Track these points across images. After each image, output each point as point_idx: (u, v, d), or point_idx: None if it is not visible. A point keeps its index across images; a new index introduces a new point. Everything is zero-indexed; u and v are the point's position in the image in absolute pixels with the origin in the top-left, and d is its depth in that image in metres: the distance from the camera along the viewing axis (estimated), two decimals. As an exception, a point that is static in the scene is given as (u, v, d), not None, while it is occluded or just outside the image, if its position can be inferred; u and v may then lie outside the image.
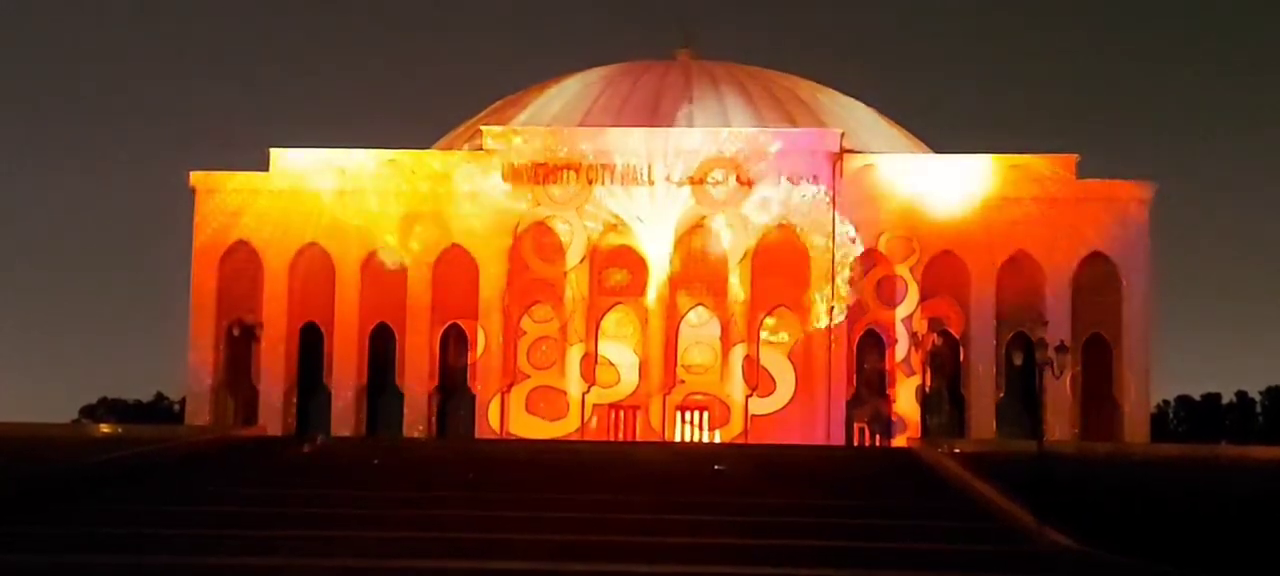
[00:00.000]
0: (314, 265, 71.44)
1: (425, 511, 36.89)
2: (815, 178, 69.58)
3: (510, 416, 69.80)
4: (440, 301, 70.98)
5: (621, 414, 70.61)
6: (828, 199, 69.46)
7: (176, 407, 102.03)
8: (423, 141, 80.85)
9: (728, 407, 69.42)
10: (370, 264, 71.18)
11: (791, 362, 69.92)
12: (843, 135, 71.48)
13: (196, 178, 72.09)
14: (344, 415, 70.22)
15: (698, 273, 70.70)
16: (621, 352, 70.85)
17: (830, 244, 69.23)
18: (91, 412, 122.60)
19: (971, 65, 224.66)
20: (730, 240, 69.78)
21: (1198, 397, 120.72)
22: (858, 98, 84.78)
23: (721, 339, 70.26)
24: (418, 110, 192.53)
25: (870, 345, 70.53)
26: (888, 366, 69.91)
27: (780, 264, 69.59)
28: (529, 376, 70.53)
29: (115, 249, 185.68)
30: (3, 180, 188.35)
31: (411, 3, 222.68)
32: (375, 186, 71.19)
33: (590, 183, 70.24)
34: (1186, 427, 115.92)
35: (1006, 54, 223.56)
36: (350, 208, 71.03)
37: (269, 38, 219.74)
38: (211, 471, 45.29)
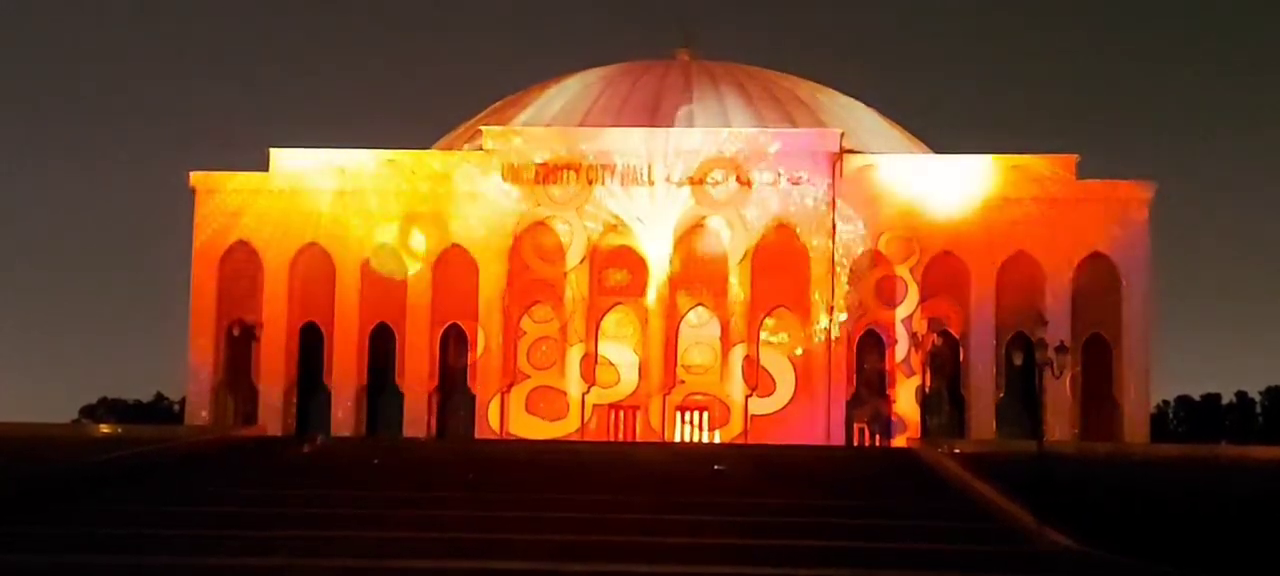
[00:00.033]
0: (314, 265, 71.44)
1: (425, 511, 36.89)
2: (815, 178, 69.59)
3: (510, 416, 69.81)
4: (440, 301, 70.98)
5: (621, 414, 70.62)
6: (827, 199, 69.47)
7: (176, 408, 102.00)
8: (423, 141, 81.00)
9: (728, 408, 69.43)
10: (370, 265, 71.15)
11: (791, 363, 69.90)
12: (843, 135, 71.49)
13: (196, 178, 72.10)
14: (344, 415, 70.21)
15: (698, 273, 70.69)
16: (621, 353, 70.85)
17: (830, 244, 69.24)
18: (91, 412, 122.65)
19: (971, 65, 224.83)
20: (730, 240, 69.79)
21: (1197, 398, 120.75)
22: (858, 98, 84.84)
23: (721, 339, 70.26)
24: (418, 110, 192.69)
25: (870, 345, 70.52)
26: (888, 366, 69.90)
27: (780, 264, 69.58)
28: (529, 376, 70.53)
29: (115, 249, 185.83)
30: (3, 180, 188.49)
31: (411, 3, 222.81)
32: (375, 186, 71.20)
33: (590, 183, 70.25)
34: (1186, 428, 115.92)
35: (1006, 54, 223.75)
36: (350, 208, 71.04)
37: (269, 38, 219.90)
38: (211, 471, 45.30)
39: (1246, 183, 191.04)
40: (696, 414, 70.27)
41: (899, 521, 35.76)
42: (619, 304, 71.17)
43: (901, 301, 69.29)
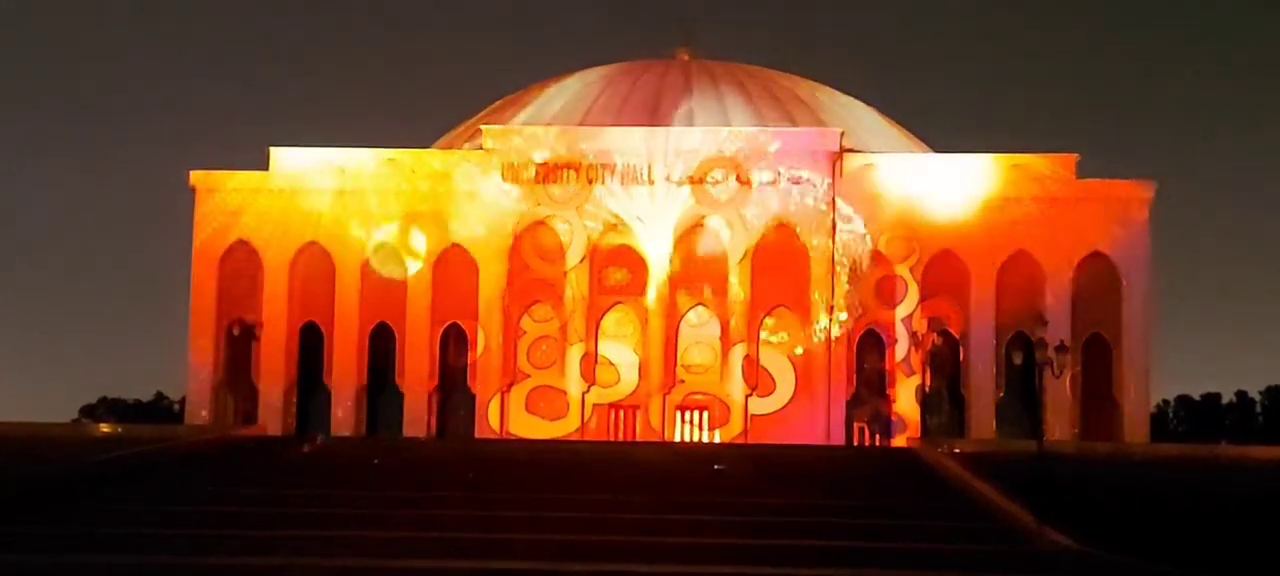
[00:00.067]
0: (314, 264, 71.44)
1: (425, 511, 36.90)
2: (815, 177, 69.58)
3: (510, 416, 69.80)
4: (440, 301, 70.98)
5: (621, 413, 70.61)
6: (827, 199, 69.46)
7: (176, 407, 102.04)
8: (422, 141, 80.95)
9: (728, 407, 69.42)
10: (369, 266, 71.15)
11: (791, 362, 69.90)
12: (843, 134, 71.47)
13: (196, 177, 72.09)
14: (344, 415, 70.21)
15: (698, 272, 70.67)
16: (621, 352, 70.84)
17: (830, 243, 69.23)
18: (91, 412, 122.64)
19: (971, 65, 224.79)
20: (730, 240, 69.77)
21: (1197, 397, 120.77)
22: (858, 97, 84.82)
23: (721, 338, 70.25)
24: (418, 110, 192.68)
25: (870, 345, 70.51)
26: (888, 366, 69.89)
27: (780, 263, 69.57)
28: (529, 376, 70.53)
29: (115, 249, 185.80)
30: (3, 180, 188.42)
31: (411, 3, 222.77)
32: (375, 186, 71.20)
33: (590, 182, 70.24)
34: (1186, 427, 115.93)
35: (1006, 54, 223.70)
36: (350, 207, 71.05)
37: (269, 38, 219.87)
38: (211, 471, 45.30)
39: (1246, 183, 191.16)
40: (696, 413, 70.27)
41: (899, 521, 35.76)
42: (619, 303, 71.15)
43: (901, 301, 69.29)
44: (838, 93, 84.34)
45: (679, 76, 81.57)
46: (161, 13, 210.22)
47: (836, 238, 69.25)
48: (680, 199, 69.90)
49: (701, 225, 70.45)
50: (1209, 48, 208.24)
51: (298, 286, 71.51)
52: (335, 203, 71.06)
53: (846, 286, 69.01)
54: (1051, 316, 64.12)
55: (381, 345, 71.71)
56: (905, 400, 69.19)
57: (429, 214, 70.77)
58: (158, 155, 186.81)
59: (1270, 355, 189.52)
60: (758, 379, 69.49)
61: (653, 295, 69.96)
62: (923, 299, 69.24)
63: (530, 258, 70.82)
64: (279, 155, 71.93)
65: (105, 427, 65.75)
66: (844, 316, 69.00)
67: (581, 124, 74.80)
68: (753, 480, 43.91)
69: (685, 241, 70.35)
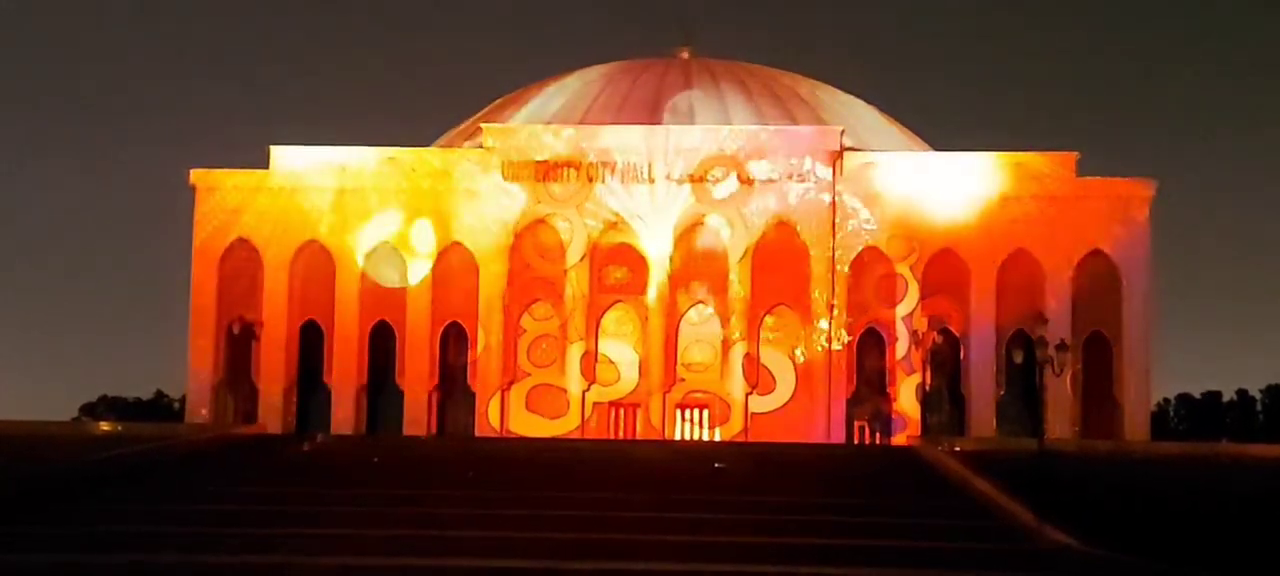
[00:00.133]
0: (314, 263, 71.43)
1: (425, 509, 36.88)
2: (815, 175, 69.57)
3: (510, 414, 69.79)
4: (440, 300, 70.97)
5: (621, 412, 70.61)
6: (828, 197, 69.44)
7: (176, 405, 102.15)
8: (423, 140, 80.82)
9: (728, 406, 69.41)
10: (371, 260, 71.12)
11: (791, 361, 69.89)
12: (843, 133, 71.46)
13: (196, 176, 72.07)
14: (344, 413, 70.19)
15: (698, 270, 70.66)
16: (622, 350, 70.83)
17: (830, 242, 69.22)
18: (92, 410, 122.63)
19: (971, 65, 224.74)
20: (730, 238, 69.76)
21: (1198, 396, 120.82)
22: (858, 96, 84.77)
23: (722, 337, 70.22)
24: (418, 109, 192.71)
25: (870, 343, 70.49)
26: (888, 364, 69.88)
27: (780, 262, 69.56)
28: (529, 374, 70.51)
29: (115, 248, 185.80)
30: (3, 180, 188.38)
31: (411, 3, 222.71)
32: (375, 184, 71.19)
33: (590, 180, 70.23)
34: (1187, 426, 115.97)
35: (1006, 54, 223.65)
36: (350, 205, 71.03)
37: (269, 38, 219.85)
38: (211, 469, 45.30)
39: (1247, 182, 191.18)
40: (697, 412, 70.27)
41: (899, 519, 35.73)
42: (619, 301, 71.14)
43: (902, 299, 69.27)
44: (838, 91, 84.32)
45: (679, 75, 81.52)
46: (161, 13, 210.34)
47: (837, 236, 69.19)
48: (681, 197, 69.89)
49: (702, 223, 70.44)
50: (1209, 48, 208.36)
51: (298, 285, 71.50)
52: (335, 201, 71.05)
53: (846, 285, 68.90)
54: (1052, 315, 64.16)
55: (381, 344, 71.70)
56: (905, 398, 69.16)
57: (429, 212, 70.75)
58: (158, 155, 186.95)
59: (1271, 354, 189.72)
60: (758, 377, 69.49)
61: (653, 293, 69.95)
62: (923, 297, 69.23)
63: (530, 256, 70.81)
64: (279, 154, 71.92)
65: (105, 426, 65.73)
66: (844, 313, 68.94)
67: (582, 122, 74.76)
68: (753, 478, 43.90)
69: (685, 239, 70.34)
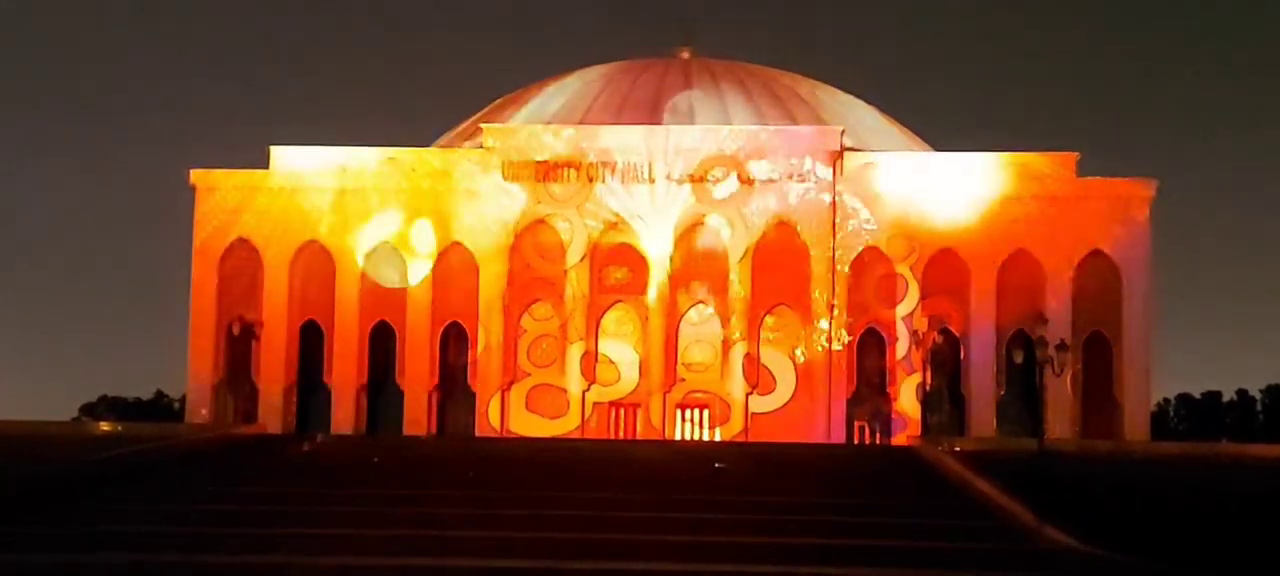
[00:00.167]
0: (314, 263, 71.43)
1: (425, 509, 36.88)
2: (815, 175, 69.57)
3: (510, 414, 69.78)
4: (440, 300, 70.97)
5: (622, 412, 70.60)
6: (828, 197, 69.44)
7: (176, 405, 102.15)
8: (423, 140, 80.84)
9: (728, 406, 69.41)
10: (371, 260, 71.11)
11: (791, 361, 69.89)
12: (843, 133, 71.46)
13: (196, 176, 72.07)
14: (344, 413, 70.19)
15: (698, 270, 70.66)
16: (622, 350, 70.82)
17: (830, 242, 69.22)
18: (92, 410, 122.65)
19: (971, 65, 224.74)
20: (730, 238, 69.76)
21: (1198, 396, 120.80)
22: (858, 97, 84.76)
23: (722, 337, 70.21)
24: (418, 109, 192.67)
25: (871, 343, 70.49)
26: (888, 364, 69.88)
27: (780, 262, 69.55)
28: (529, 374, 70.51)
29: (115, 248, 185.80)
30: (3, 180, 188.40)
31: (411, 3, 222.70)
32: (375, 184, 71.20)
33: (591, 180, 70.22)
34: (1187, 426, 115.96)
35: (1006, 54, 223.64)
36: (350, 205, 71.03)
37: (269, 38, 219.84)
38: (212, 469, 45.31)
39: (1247, 182, 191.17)
40: (697, 411, 70.26)
41: (899, 519, 35.74)
42: (619, 301, 71.14)
43: (902, 299, 69.27)
44: (838, 91, 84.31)
45: (679, 75, 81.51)
46: (161, 13, 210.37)
47: (837, 236, 69.19)
48: (681, 197, 69.89)
49: (702, 223, 70.44)
50: (1209, 48, 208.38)
51: (298, 285, 71.50)
52: (335, 201, 71.06)
53: (846, 285, 68.90)
54: (1052, 315, 64.17)
55: (381, 344, 71.69)
56: (906, 398, 69.15)
57: (429, 212, 70.75)
58: (158, 155, 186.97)
59: (1271, 354, 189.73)
60: (758, 377, 69.48)
61: (653, 293, 69.95)
62: (923, 297, 69.22)
63: (531, 256, 70.81)
64: (279, 154, 71.91)
65: (105, 426, 65.74)
66: (844, 315, 68.94)
67: (582, 122, 74.75)
68: (753, 478, 43.90)
69: (686, 239, 70.34)
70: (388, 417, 70.92)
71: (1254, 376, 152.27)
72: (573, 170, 70.37)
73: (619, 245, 70.50)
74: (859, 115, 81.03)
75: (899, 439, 66.63)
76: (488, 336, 70.10)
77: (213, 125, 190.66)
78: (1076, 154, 70.43)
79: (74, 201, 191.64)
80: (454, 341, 71.87)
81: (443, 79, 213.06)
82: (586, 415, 69.70)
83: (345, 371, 70.84)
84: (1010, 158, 70.33)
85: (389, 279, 70.93)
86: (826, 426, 68.16)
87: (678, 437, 68.83)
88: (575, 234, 70.12)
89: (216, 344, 70.96)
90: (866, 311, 69.77)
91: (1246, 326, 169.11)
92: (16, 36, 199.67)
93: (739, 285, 69.49)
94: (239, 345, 70.05)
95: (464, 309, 70.93)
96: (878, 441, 68.78)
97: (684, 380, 70.51)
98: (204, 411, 70.58)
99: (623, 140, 70.58)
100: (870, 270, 69.59)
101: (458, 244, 70.73)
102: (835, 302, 69.01)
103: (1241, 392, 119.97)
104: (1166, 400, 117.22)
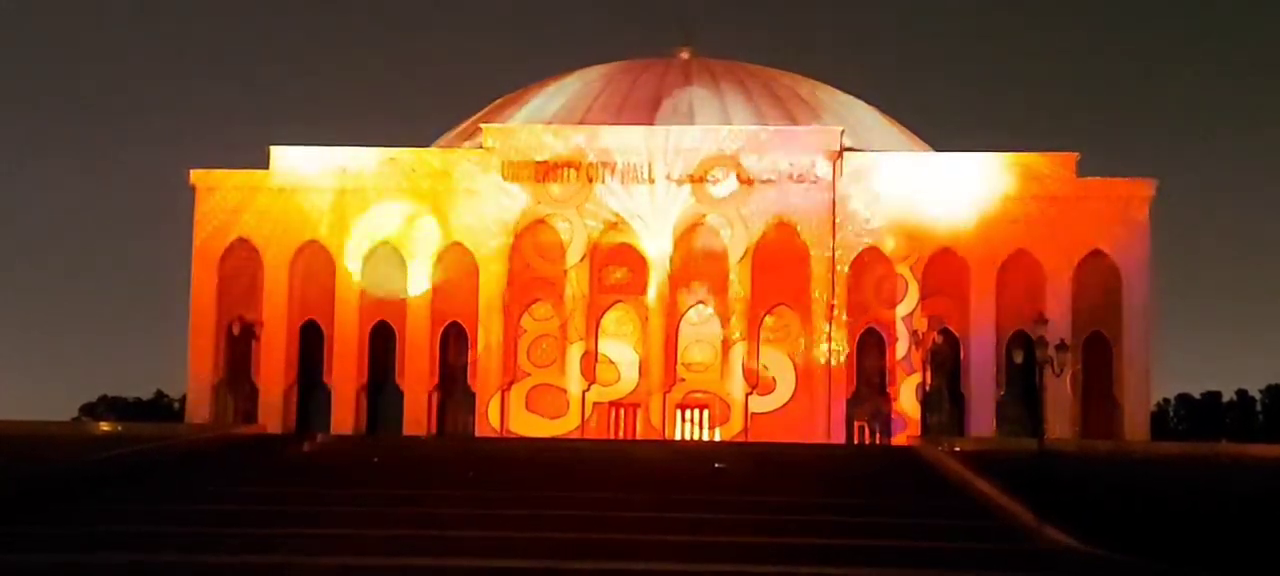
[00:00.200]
0: (314, 263, 71.44)
1: (425, 509, 36.88)
2: (815, 175, 69.58)
3: (510, 414, 69.79)
4: (440, 300, 70.97)
5: (621, 412, 70.60)
6: (828, 197, 69.43)
7: (176, 405, 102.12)
8: (422, 140, 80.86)
9: (728, 406, 69.41)
10: (370, 262, 71.12)
11: (791, 360, 69.88)
12: (843, 133, 71.46)
13: (196, 176, 72.09)
14: (344, 413, 70.19)
15: (698, 270, 70.67)
16: (622, 350, 70.82)
17: (830, 242, 69.23)
18: (92, 410, 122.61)
19: (971, 65, 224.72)
20: (730, 238, 69.76)
21: (1198, 396, 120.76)
22: (858, 97, 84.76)
23: (722, 337, 70.21)
24: (418, 109, 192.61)
25: (870, 343, 70.49)
26: (888, 364, 69.88)
27: (780, 262, 69.57)
28: (529, 374, 70.51)
29: (115, 248, 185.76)
30: (3, 180, 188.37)
31: (411, 3, 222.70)
32: (375, 184, 71.21)
33: (590, 181, 70.24)
34: (1187, 426, 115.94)
35: (1006, 54, 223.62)
36: (350, 205, 71.03)
37: (269, 38, 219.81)
38: (211, 469, 45.30)
39: (1247, 182, 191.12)
40: (697, 412, 70.26)
41: (899, 519, 35.73)
42: (619, 302, 71.14)
43: (902, 299, 69.27)
44: (838, 91, 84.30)
45: (679, 75, 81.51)
46: (161, 13, 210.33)
47: (837, 236, 69.20)
48: (680, 197, 69.90)
49: (702, 223, 70.45)
50: (1209, 48, 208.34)
51: (297, 285, 71.51)
52: (335, 201, 71.06)
53: (846, 284, 68.89)
54: (1052, 315, 64.06)
55: (381, 344, 71.70)
56: (905, 398, 69.16)
57: (429, 212, 70.75)
58: (158, 155, 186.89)
59: (1270, 354, 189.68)
60: (758, 377, 69.47)
61: (653, 293, 69.96)
62: (923, 297, 69.23)
63: (530, 256, 70.82)
64: (279, 154, 71.92)
65: (105, 426, 65.71)
66: (844, 315, 68.93)
67: (582, 122, 74.76)
68: (753, 478, 43.90)
69: (686, 240, 70.34)
70: (388, 417, 70.94)
71: (1254, 376, 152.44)
72: (572, 170, 70.38)
73: (619, 245, 70.51)
74: (859, 115, 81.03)
75: (899, 439, 66.64)
76: (488, 336, 70.10)
77: (213, 125, 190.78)
78: (1076, 154, 70.50)
79: (74, 201, 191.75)
80: (454, 341, 71.87)
81: (443, 79, 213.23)
82: (586, 415, 69.71)
83: (345, 371, 70.85)
84: (1010, 158, 70.35)
85: (389, 278, 70.86)
86: (826, 426, 68.19)
87: (678, 438, 68.83)
88: (575, 234, 70.13)
89: (216, 344, 70.98)
90: (866, 311, 69.78)
91: (1246, 326, 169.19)
92: (16, 36, 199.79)
93: (739, 285, 69.50)
94: (239, 345, 70.05)
95: (464, 309, 70.94)
96: (878, 441, 68.80)
97: (684, 380, 70.52)
98: (204, 411, 70.57)
99: (623, 140, 70.59)
100: (870, 270, 69.64)
101: (458, 244, 70.72)
102: (835, 303, 68.99)
103: (1241, 393, 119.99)
104: (1166, 400, 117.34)
